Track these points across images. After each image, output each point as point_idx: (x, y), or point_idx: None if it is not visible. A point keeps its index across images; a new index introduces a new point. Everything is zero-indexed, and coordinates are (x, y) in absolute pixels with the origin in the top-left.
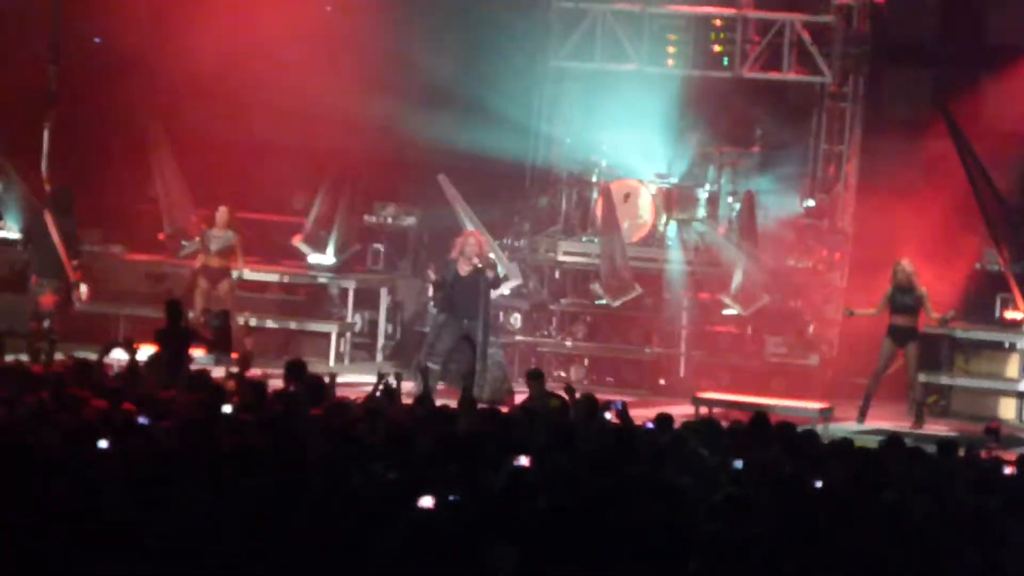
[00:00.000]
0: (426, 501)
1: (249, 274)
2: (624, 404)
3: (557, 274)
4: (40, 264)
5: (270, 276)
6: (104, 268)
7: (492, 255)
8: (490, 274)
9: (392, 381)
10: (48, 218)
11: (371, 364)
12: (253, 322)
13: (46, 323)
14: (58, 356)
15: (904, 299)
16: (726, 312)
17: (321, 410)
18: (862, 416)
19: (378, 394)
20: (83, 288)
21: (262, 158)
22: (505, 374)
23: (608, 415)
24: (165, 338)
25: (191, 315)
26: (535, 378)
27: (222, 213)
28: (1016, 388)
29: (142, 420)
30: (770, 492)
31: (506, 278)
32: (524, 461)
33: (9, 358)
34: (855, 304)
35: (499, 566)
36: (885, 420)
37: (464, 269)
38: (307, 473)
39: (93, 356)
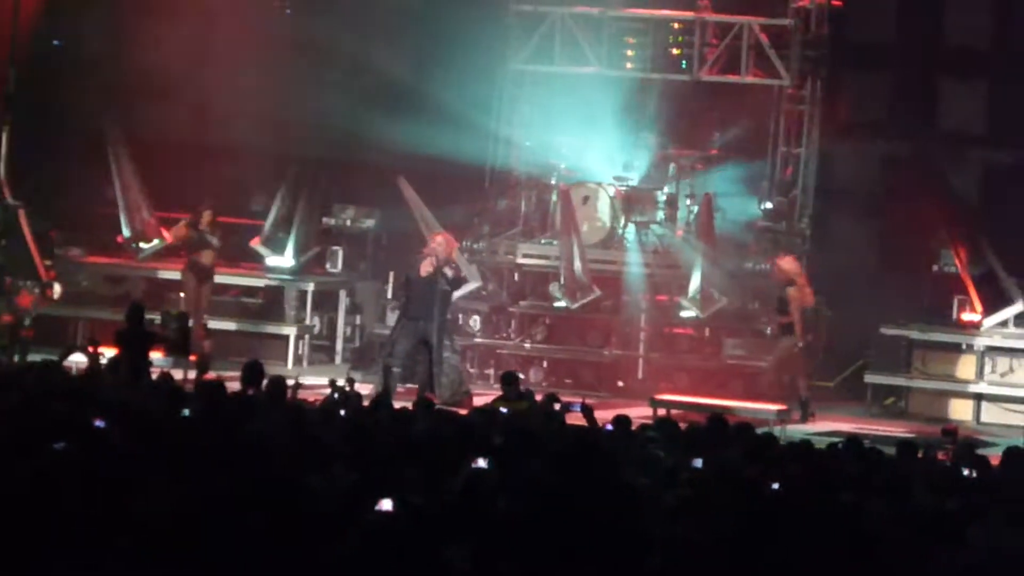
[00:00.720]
0: (385, 504)
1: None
2: (588, 405)
3: (516, 276)
4: (13, 264)
5: (229, 278)
6: (63, 270)
7: (456, 258)
8: (449, 272)
9: (344, 385)
10: (22, 218)
11: (330, 367)
12: (212, 324)
13: (27, 321)
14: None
15: (781, 296)
16: (684, 314)
17: (280, 412)
18: (804, 417)
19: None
20: (56, 287)
21: (220, 160)
22: (461, 377)
23: (568, 417)
24: (125, 340)
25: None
26: (508, 382)
27: (208, 215)
28: (972, 389)
29: (99, 423)
30: (727, 494)
31: (464, 280)
32: (482, 463)
33: None
34: None
35: (454, 567)
36: (842, 422)
37: (424, 270)
38: (265, 475)
39: (53, 358)
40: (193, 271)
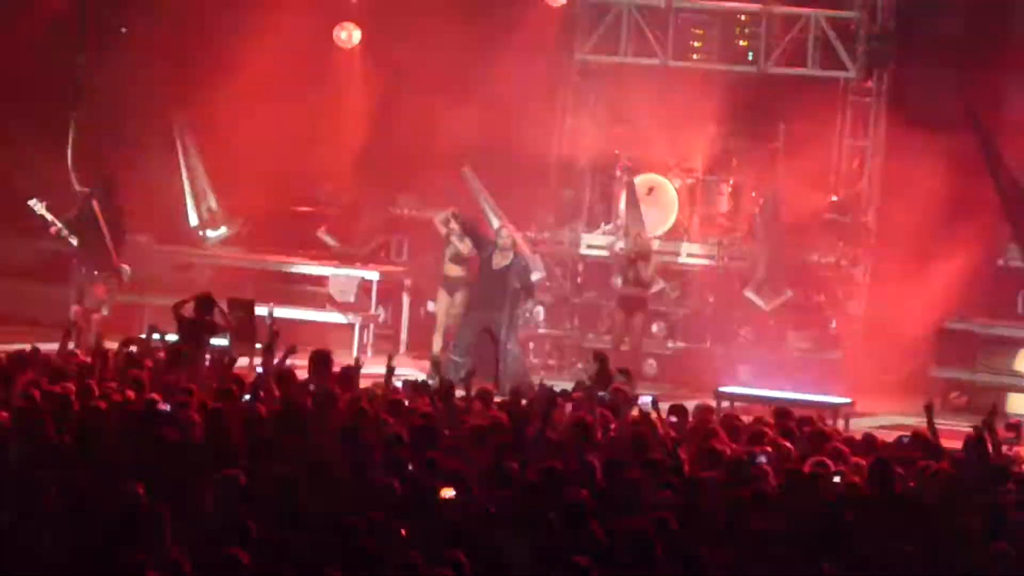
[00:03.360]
0: (447, 492)
1: (274, 265)
2: (655, 399)
3: (580, 267)
4: (90, 254)
5: (295, 267)
6: (130, 258)
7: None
8: (522, 263)
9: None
10: (96, 206)
11: (395, 356)
12: (276, 313)
13: (104, 311)
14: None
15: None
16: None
17: (344, 402)
18: None
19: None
20: (125, 268)
21: (287, 149)
22: (525, 368)
23: (637, 411)
24: (192, 330)
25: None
26: (601, 360)
27: (444, 217)
28: None
29: (164, 407)
30: (791, 486)
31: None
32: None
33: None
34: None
35: (513, 559)
36: (905, 416)
37: (497, 262)
38: (328, 463)
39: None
40: (443, 286)
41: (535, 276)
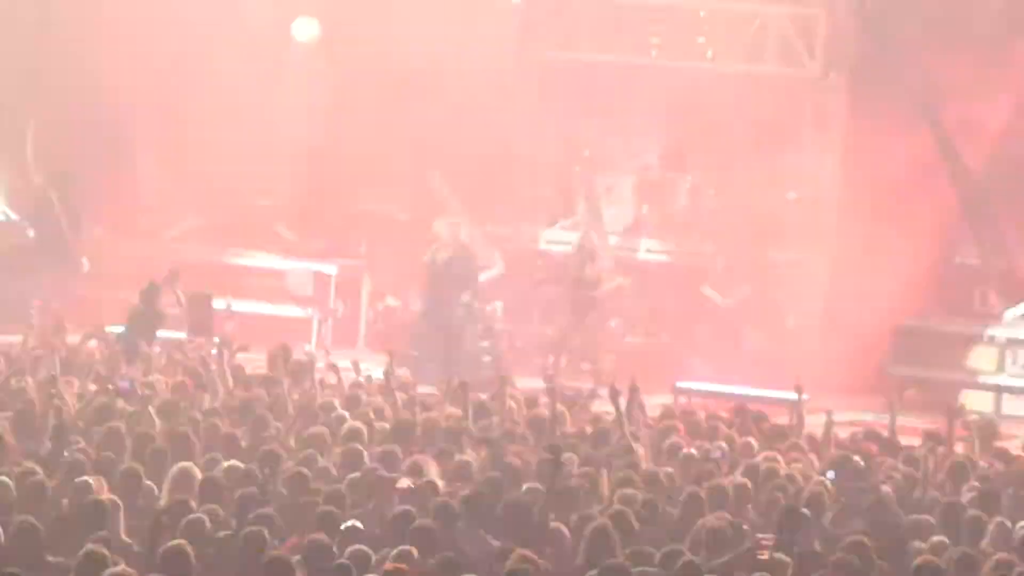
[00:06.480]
0: (403, 482)
1: (232, 259)
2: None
3: (539, 262)
4: (47, 245)
5: (253, 261)
6: (87, 251)
7: (469, 240)
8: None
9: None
10: (55, 198)
11: (352, 351)
12: (235, 307)
13: (55, 304)
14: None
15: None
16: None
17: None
18: None
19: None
20: (83, 260)
21: (248, 145)
22: (486, 359)
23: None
24: (135, 319)
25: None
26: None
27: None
28: (992, 381)
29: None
30: (750, 482)
31: (487, 267)
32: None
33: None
34: None
35: (476, 555)
36: (862, 412)
37: (440, 257)
38: (282, 457)
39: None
40: None
41: (493, 271)
